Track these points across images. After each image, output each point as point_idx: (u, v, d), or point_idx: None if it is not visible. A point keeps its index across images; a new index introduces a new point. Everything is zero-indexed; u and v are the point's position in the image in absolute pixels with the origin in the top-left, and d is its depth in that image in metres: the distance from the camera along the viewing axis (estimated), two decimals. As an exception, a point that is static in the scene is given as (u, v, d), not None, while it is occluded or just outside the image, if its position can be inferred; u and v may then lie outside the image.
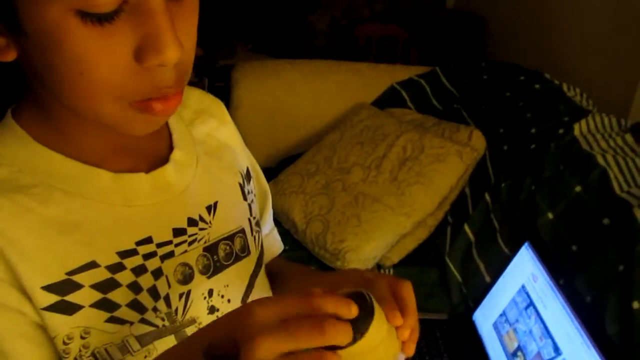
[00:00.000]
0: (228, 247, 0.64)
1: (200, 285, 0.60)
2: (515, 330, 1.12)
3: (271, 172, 1.89)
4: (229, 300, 0.63)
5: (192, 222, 0.60)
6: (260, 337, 0.38)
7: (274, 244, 0.84)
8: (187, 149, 0.62)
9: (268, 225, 0.83)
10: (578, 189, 1.26)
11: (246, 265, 0.67)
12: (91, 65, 0.44)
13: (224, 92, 2.12)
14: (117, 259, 0.54)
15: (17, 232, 0.49)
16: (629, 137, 1.37)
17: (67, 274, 0.51)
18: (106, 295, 0.53)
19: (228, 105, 2.06)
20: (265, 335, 0.38)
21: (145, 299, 0.55)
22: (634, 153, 1.30)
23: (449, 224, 1.59)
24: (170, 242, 0.58)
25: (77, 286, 0.51)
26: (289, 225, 1.69)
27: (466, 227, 1.50)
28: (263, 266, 0.72)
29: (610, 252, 1.09)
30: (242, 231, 0.67)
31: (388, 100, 2.03)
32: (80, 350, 0.51)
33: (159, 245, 0.57)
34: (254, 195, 0.75)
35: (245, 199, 0.71)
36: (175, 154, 0.60)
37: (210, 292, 0.61)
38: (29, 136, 0.52)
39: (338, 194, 1.64)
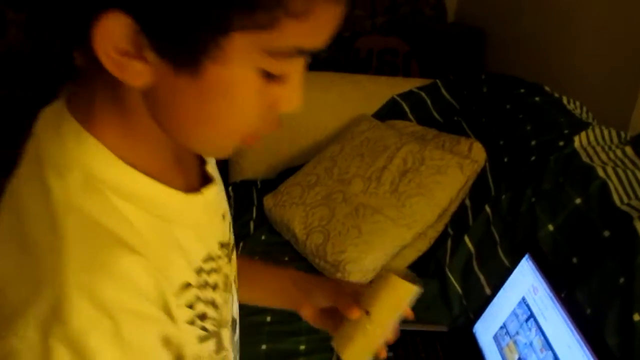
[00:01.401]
0: (227, 250, 0.66)
1: (234, 290, 0.64)
2: (515, 342, 1.12)
3: (271, 184, 1.89)
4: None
5: (224, 234, 0.62)
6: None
7: None
8: (210, 163, 0.63)
9: None
10: (578, 201, 1.26)
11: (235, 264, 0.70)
12: (249, 114, 0.47)
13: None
14: (196, 277, 0.55)
15: (151, 251, 0.48)
16: (629, 150, 1.37)
17: (173, 295, 0.50)
18: (194, 310, 0.54)
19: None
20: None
21: (209, 309, 0.57)
22: (634, 165, 1.31)
23: (449, 235, 1.59)
24: (219, 257, 0.60)
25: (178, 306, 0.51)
26: (289, 236, 1.69)
27: (466, 239, 1.50)
28: None
29: (611, 265, 1.09)
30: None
31: (389, 112, 2.04)
32: None
33: (215, 259, 0.59)
34: None
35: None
36: (209, 169, 0.61)
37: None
38: (115, 156, 0.48)
39: (338, 205, 1.64)
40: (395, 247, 1.55)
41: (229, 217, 0.67)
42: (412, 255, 1.60)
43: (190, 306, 0.52)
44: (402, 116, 2.03)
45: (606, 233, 1.16)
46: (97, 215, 0.45)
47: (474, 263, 1.46)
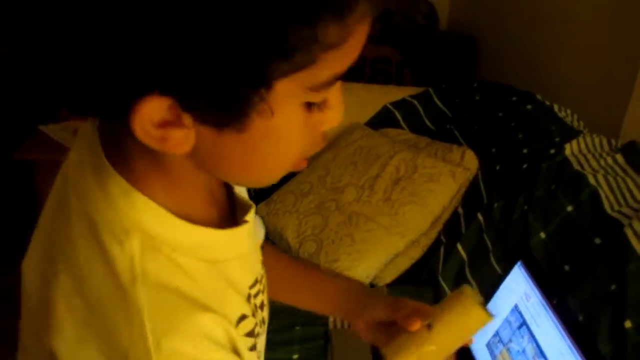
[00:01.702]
0: None
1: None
2: (508, 350, 1.12)
3: (265, 192, 1.89)
4: None
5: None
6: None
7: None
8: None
9: None
10: (570, 208, 1.26)
11: None
12: (297, 147, 0.46)
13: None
14: (248, 306, 0.55)
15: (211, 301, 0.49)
16: (619, 157, 1.38)
17: (235, 331, 0.51)
18: (252, 336, 0.55)
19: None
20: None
21: (260, 328, 0.58)
22: (625, 173, 1.32)
23: (442, 243, 1.59)
24: (263, 276, 0.61)
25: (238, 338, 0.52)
26: (282, 244, 1.69)
27: (459, 247, 1.50)
28: None
29: (602, 272, 1.10)
30: None
31: (381, 120, 2.05)
32: None
33: (260, 281, 0.59)
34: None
35: None
36: (237, 190, 0.60)
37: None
38: (166, 211, 0.48)
39: (331, 213, 1.64)
40: (389, 256, 1.55)
41: None
42: (405, 264, 1.60)
43: (249, 333, 0.54)
44: (395, 124, 2.03)
45: (597, 240, 1.16)
46: (161, 277, 0.45)
47: (467, 270, 1.46)
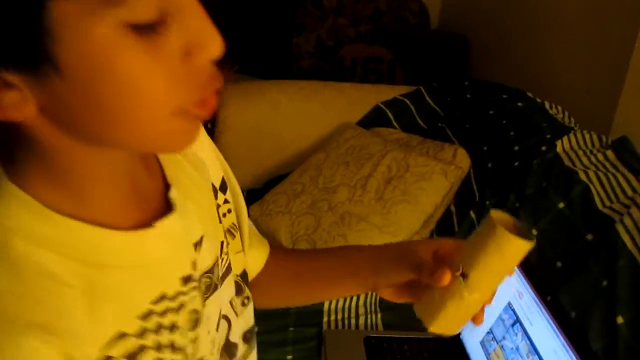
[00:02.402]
0: (209, 280, 0.59)
1: (205, 325, 0.57)
2: (502, 347, 1.12)
3: (257, 193, 1.89)
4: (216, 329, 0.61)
5: (193, 265, 0.55)
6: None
7: (259, 254, 0.82)
8: (181, 185, 0.57)
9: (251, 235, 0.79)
10: (561, 205, 1.27)
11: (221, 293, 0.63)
12: (149, 83, 0.39)
13: (210, 113, 2.12)
14: (140, 324, 0.49)
15: (51, 317, 0.43)
16: (610, 153, 1.38)
17: (100, 350, 0.46)
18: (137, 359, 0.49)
19: (214, 126, 2.07)
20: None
21: (165, 353, 0.51)
22: (615, 169, 1.32)
23: (435, 242, 1.59)
24: (182, 293, 0.53)
25: (111, 359, 0.47)
26: (275, 245, 1.68)
27: (452, 245, 1.51)
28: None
29: (594, 268, 1.10)
30: (216, 260, 0.62)
31: (373, 119, 2.05)
32: None
33: (171, 299, 0.52)
34: (231, 204, 0.70)
35: (220, 220, 0.66)
36: (173, 194, 0.54)
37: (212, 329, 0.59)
38: (38, 203, 0.44)
39: (324, 213, 1.64)
40: (382, 255, 1.55)
41: (209, 239, 0.59)
42: (398, 262, 1.60)
43: (130, 356, 0.47)
44: (387, 123, 2.03)
45: (589, 236, 1.17)
46: None
47: (460, 269, 1.46)
